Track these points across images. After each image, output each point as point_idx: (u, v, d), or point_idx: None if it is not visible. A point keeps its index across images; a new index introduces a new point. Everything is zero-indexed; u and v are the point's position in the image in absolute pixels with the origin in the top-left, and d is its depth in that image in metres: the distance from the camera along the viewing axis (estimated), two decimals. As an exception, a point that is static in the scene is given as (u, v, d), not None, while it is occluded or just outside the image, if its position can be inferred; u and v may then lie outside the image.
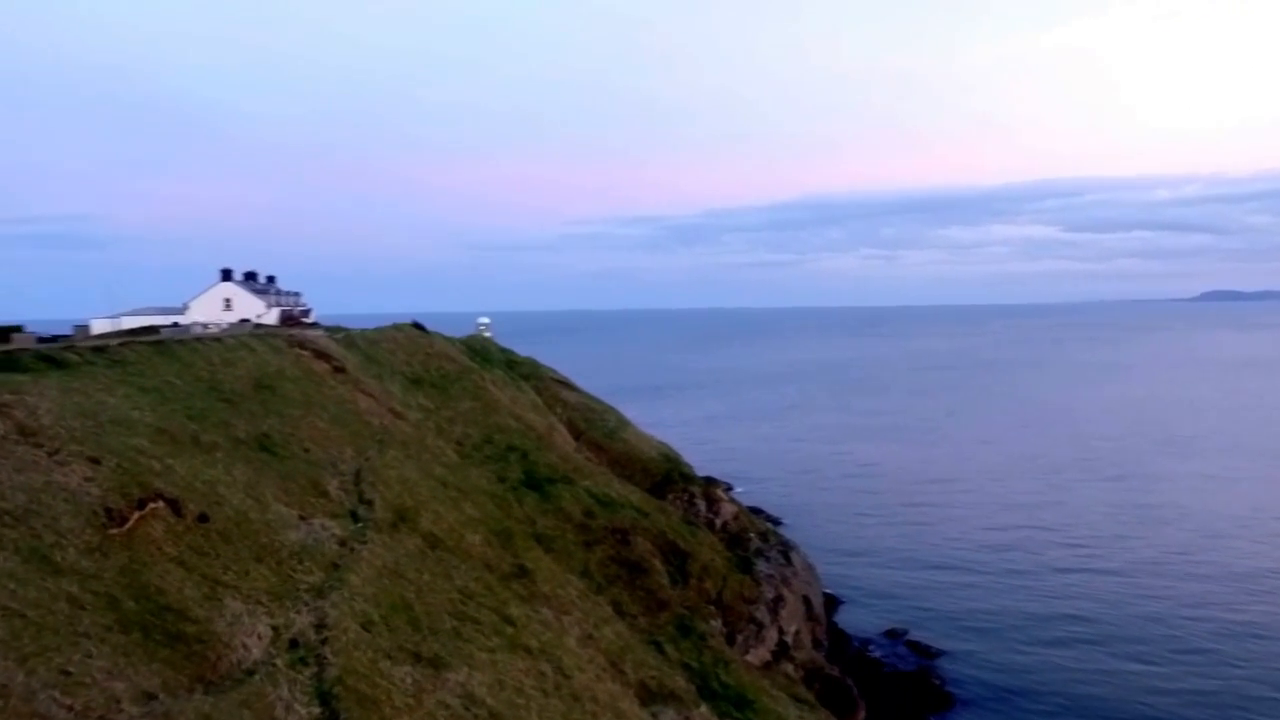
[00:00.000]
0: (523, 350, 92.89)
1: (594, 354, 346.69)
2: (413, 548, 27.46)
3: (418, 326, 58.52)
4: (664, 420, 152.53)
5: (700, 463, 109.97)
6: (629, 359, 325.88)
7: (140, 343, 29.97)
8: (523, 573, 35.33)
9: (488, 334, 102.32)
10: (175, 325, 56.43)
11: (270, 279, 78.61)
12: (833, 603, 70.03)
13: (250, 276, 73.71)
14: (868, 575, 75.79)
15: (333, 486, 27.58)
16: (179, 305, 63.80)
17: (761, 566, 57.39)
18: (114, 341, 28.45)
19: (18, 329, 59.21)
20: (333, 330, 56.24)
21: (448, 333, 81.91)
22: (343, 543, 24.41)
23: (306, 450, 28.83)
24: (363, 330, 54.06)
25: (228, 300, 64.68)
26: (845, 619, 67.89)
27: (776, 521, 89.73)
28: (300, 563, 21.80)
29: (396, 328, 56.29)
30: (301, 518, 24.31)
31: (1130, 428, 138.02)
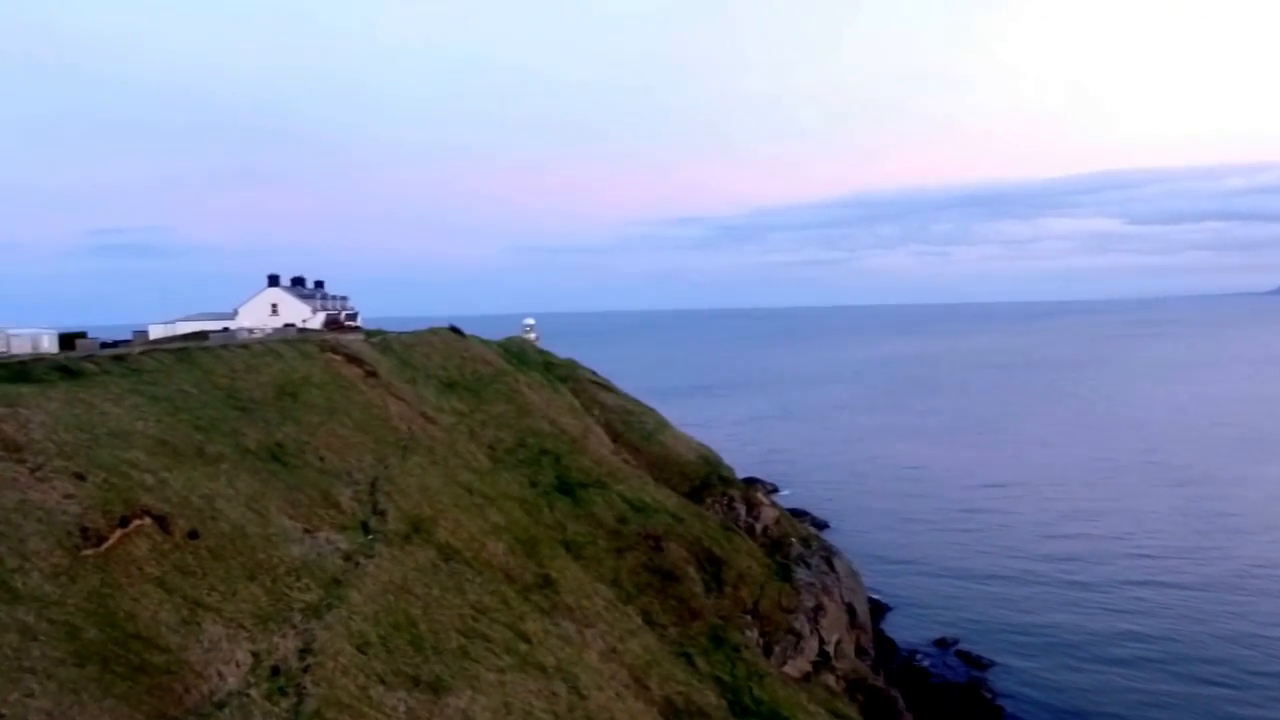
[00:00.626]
0: (573, 351, 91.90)
1: (644, 354, 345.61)
2: (425, 560, 26.24)
3: (454, 330, 57.77)
4: (711, 420, 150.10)
5: (746, 464, 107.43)
6: (679, 359, 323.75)
7: (163, 350, 29.51)
8: (546, 583, 33.94)
9: (533, 335, 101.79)
10: (225, 330, 57.00)
11: (319, 284, 79.32)
12: (879, 609, 67.05)
13: (298, 282, 74.40)
14: (917, 581, 72.41)
15: (345, 497, 26.56)
16: (230, 310, 64.73)
17: (801, 574, 54.84)
18: (136, 349, 28.02)
19: (81, 335, 60.61)
20: (373, 334, 55.94)
21: (501, 335, 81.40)
22: (348, 557, 23.28)
23: (321, 459, 27.92)
24: (399, 334, 53.54)
25: (274, 305, 65.30)
26: (892, 626, 64.87)
27: (823, 525, 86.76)
28: (298, 580, 20.70)
29: (433, 331, 55.62)
30: (307, 531, 23.27)
31: (1202, 430, 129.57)
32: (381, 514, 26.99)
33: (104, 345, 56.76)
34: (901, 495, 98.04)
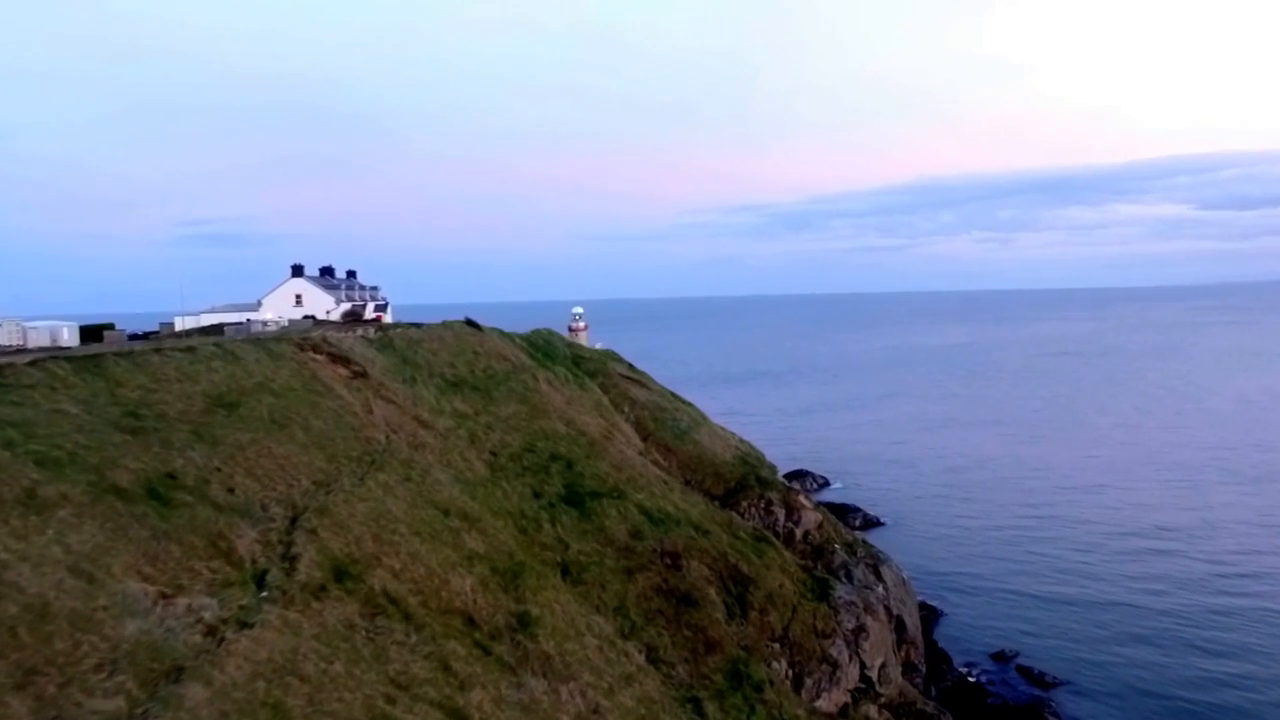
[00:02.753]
0: (628, 337, 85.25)
1: (700, 340, 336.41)
2: (336, 620, 19.73)
3: (470, 323, 51.54)
4: (765, 408, 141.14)
5: (798, 455, 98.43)
6: (736, 345, 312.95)
7: (66, 357, 23.91)
8: (523, 624, 27.13)
9: (582, 323, 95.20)
10: (247, 322, 52.47)
11: (350, 273, 74.75)
12: (932, 615, 58.23)
13: (326, 271, 69.90)
14: (976, 586, 62.89)
15: (246, 540, 20.29)
16: (255, 301, 60.60)
17: (842, 591, 46.53)
18: (23, 360, 22.46)
19: (109, 327, 56.75)
20: (402, 326, 50.18)
21: (558, 321, 74.98)
22: (212, 630, 16.91)
23: (231, 490, 21.75)
24: (405, 327, 47.57)
25: (298, 296, 60.83)
26: (946, 634, 56.06)
27: (874, 522, 77.44)
28: (110, 677, 14.40)
29: (445, 325, 49.48)
30: (164, 596, 17.01)
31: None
32: (293, 560, 20.64)
33: (131, 337, 52.39)
34: (962, 492, 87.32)
